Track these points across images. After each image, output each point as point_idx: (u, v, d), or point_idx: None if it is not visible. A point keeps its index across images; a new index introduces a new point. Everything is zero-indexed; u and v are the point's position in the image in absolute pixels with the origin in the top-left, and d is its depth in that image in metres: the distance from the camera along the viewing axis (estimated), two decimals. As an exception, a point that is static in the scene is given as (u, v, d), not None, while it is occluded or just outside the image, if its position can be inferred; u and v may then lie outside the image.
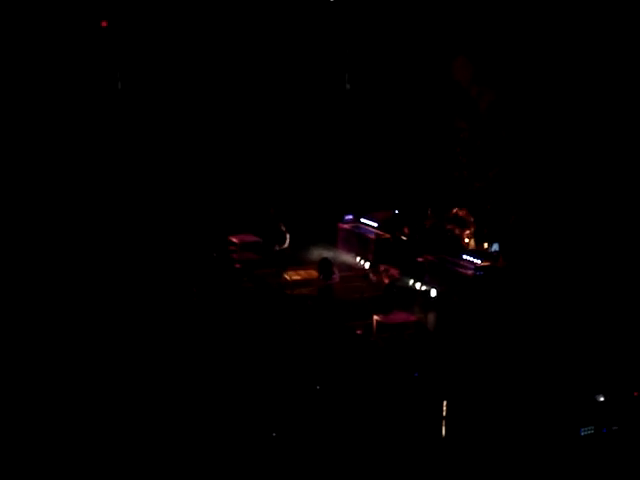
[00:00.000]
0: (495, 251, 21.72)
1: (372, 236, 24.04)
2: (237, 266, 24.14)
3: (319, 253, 23.37)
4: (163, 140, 29.00)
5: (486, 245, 22.17)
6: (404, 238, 23.00)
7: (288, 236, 23.28)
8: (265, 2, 28.98)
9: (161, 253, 24.35)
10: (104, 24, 28.17)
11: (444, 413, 16.81)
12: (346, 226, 25.22)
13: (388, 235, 23.80)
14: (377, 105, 27.72)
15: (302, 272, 22.99)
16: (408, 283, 22.20)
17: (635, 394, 16.67)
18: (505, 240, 21.93)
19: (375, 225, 24.47)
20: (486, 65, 23.68)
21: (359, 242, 24.36)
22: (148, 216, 26.38)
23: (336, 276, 21.27)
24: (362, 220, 25.17)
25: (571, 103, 21.39)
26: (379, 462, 16.45)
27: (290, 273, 22.83)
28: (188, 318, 21.41)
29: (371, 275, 22.34)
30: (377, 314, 19.89)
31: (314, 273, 22.32)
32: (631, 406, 16.65)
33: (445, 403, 16.82)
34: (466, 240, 22.76)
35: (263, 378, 18.75)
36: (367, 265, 23.70)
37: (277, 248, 23.30)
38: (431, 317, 20.79)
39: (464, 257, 21.53)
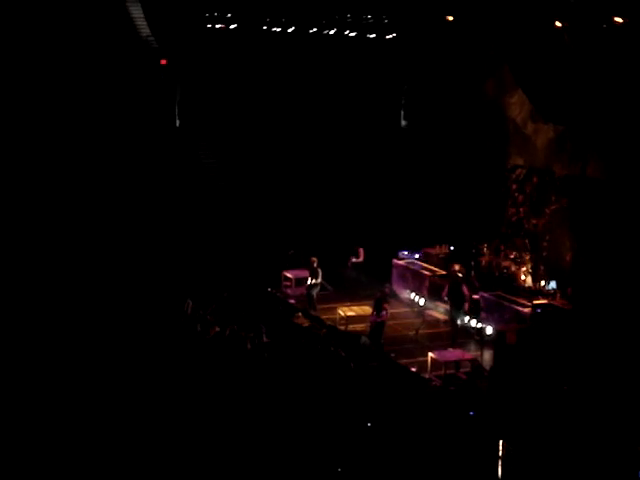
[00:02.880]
0: (552, 289, 21.44)
1: (427, 272, 23.91)
2: (291, 302, 24.20)
3: (374, 289, 23.30)
4: (219, 174, 29.36)
5: (543, 283, 21.91)
6: (460, 275, 22.84)
7: (320, 271, 23.44)
8: (321, 40, 29.32)
9: (214, 288, 24.51)
10: (163, 62, 28.73)
11: (500, 453, 16.54)
12: (401, 262, 25.14)
13: (443, 272, 23.67)
14: (432, 141, 27.73)
15: (356, 308, 22.94)
16: (463, 320, 22.03)
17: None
18: (562, 278, 21.65)
19: (430, 262, 24.39)
20: (543, 101, 23.58)
21: (413, 278, 24.25)
22: (203, 250, 26.62)
23: (386, 312, 21.20)
24: (417, 256, 25.08)
25: (630, 139, 21.13)
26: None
27: (344, 309, 22.79)
28: (240, 352, 21.46)
29: (426, 313, 22.28)
30: (432, 351, 19.72)
31: (368, 309, 22.25)
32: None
33: (501, 443, 16.56)
34: (522, 277, 22.52)
35: (315, 415, 18.65)
36: (422, 302, 23.58)
37: (309, 282, 23.45)
38: (487, 355, 20.54)
39: (521, 295, 21.29)
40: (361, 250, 26.29)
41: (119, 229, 26.84)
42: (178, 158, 28.86)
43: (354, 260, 26.37)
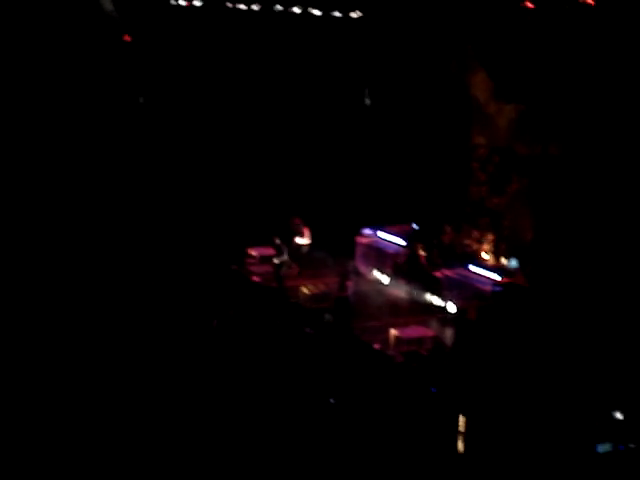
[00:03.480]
0: (513, 267, 21.77)
1: (390, 250, 24.14)
2: (256, 279, 24.31)
3: (338, 267, 23.48)
4: (183, 153, 29.28)
5: (504, 261, 22.23)
6: (422, 253, 23.08)
7: (285, 249, 23.58)
8: (286, 20, 29.27)
9: (179, 265, 24.54)
10: (127, 38, 28.53)
11: (461, 428, 16.86)
12: (364, 240, 25.31)
13: (406, 250, 23.90)
14: (396, 120, 27.88)
15: (320, 285, 23.12)
16: (425, 298, 22.31)
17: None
18: (523, 256, 21.97)
19: (393, 239, 24.59)
20: (505, 81, 23.80)
21: (377, 256, 24.44)
22: (166, 228, 26.61)
23: (349, 289, 21.45)
24: (380, 234, 25.28)
25: (592, 120, 21.43)
26: (394, 476, 16.49)
27: (308, 286, 22.94)
28: (205, 332, 21.53)
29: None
30: (395, 328, 19.95)
31: (331, 286, 22.42)
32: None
33: (462, 418, 16.87)
34: (484, 256, 22.82)
35: (278, 390, 18.82)
36: (386, 279, 23.80)
37: (275, 261, 23.59)
38: (449, 332, 20.84)
39: (482, 273, 21.60)
40: (306, 230, 26.07)
41: (79, 205, 26.77)
42: (140, 135, 28.75)
43: (299, 241, 25.44)
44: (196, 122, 29.51)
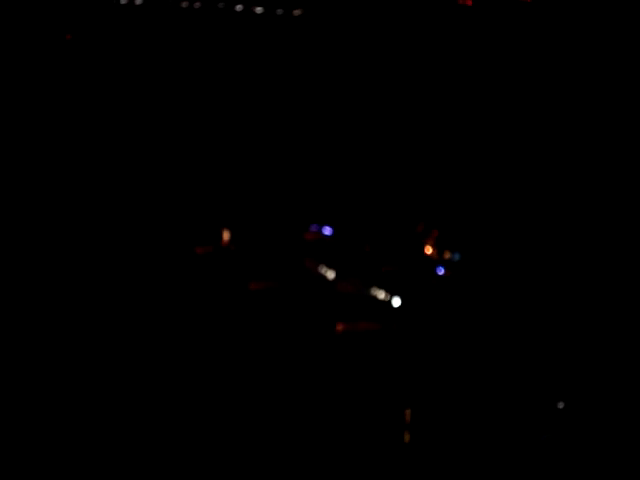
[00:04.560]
0: (456, 260, 22.14)
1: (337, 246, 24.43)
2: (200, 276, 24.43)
3: (285, 264, 23.69)
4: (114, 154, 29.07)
5: (448, 255, 22.60)
6: (368, 248, 23.38)
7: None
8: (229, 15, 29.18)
9: (123, 262, 24.48)
10: None
11: (407, 421, 17.17)
12: (311, 236, 25.52)
13: (352, 245, 24.21)
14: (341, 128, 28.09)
15: (268, 282, 23.30)
16: (371, 292, 22.58)
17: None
18: (466, 249, 22.36)
19: (339, 235, 24.89)
20: None
21: (324, 252, 24.69)
22: (108, 218, 26.45)
23: (297, 284, 21.74)
24: (326, 230, 25.53)
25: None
26: (342, 466, 16.71)
27: (254, 283, 23.09)
28: (150, 329, 21.56)
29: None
30: (340, 323, 20.19)
31: (280, 283, 22.64)
32: (587, 413, 17.10)
33: (408, 411, 17.18)
34: (428, 249, 23.17)
35: (222, 383, 18.96)
36: (332, 275, 24.04)
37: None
38: (394, 326, 21.15)
39: (427, 267, 21.99)
40: (225, 232, 25.38)
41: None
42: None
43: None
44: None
